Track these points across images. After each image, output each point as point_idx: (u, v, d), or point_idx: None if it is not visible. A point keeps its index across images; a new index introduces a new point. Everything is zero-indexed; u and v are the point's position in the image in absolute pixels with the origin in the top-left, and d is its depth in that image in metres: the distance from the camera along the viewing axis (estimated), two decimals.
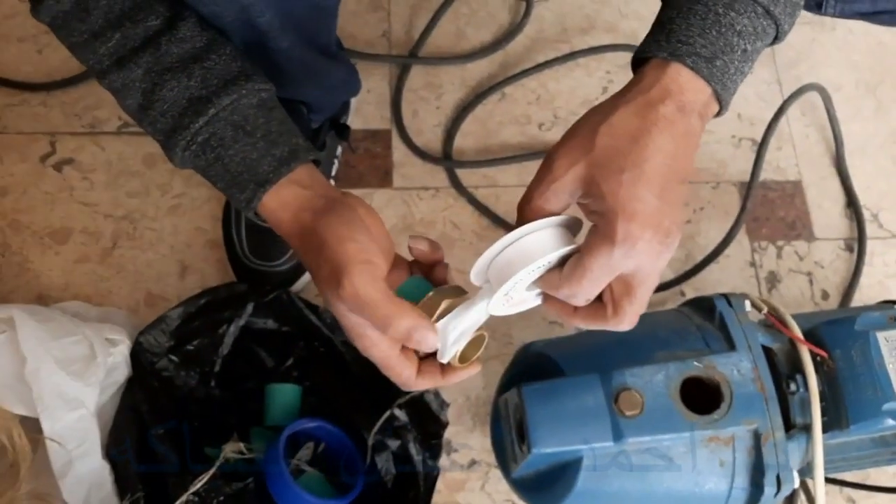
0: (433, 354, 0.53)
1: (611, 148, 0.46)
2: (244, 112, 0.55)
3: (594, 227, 0.48)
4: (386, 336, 0.50)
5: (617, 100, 0.48)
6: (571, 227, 0.51)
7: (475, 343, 0.54)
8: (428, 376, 0.54)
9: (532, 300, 0.54)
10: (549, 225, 0.49)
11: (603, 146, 0.46)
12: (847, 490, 0.84)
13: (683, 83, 0.48)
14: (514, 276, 0.49)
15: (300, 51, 0.66)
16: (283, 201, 0.54)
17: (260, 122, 0.56)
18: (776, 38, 0.52)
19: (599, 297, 0.50)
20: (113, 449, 0.74)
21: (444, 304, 0.52)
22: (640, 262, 0.47)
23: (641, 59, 0.50)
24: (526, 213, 0.50)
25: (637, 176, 0.45)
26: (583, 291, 0.48)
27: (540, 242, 0.49)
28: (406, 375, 0.53)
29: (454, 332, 0.52)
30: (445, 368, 0.54)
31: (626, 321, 0.50)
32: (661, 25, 0.50)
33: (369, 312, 0.49)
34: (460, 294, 0.53)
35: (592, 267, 0.47)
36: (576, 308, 0.51)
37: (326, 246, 0.50)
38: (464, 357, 0.54)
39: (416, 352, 0.54)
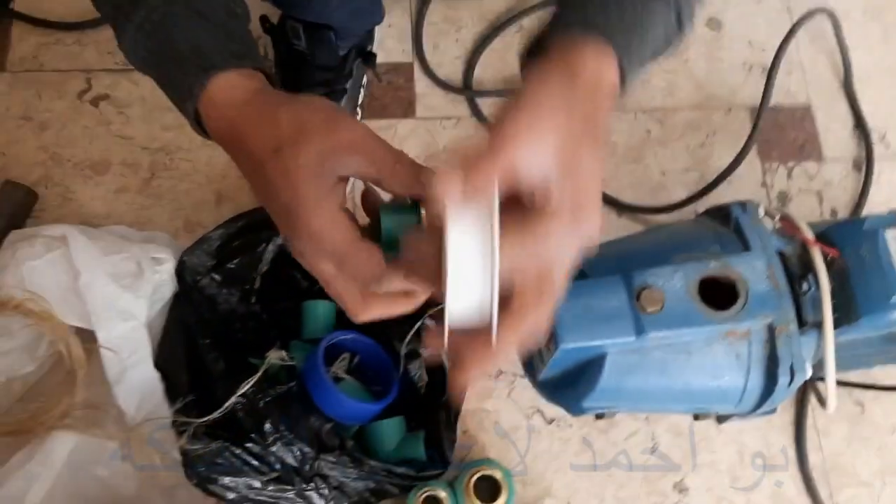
0: None
1: (579, 130, 0.42)
2: (210, 3, 0.50)
3: (555, 199, 0.40)
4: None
5: (565, 77, 0.44)
6: None
7: None
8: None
9: None
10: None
11: (577, 122, 0.41)
12: (856, 394, 0.88)
13: (613, 74, 0.46)
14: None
15: None
16: (232, 90, 0.47)
17: (222, 18, 0.50)
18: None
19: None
20: (162, 358, 0.78)
21: None
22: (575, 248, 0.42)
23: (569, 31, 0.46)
24: (493, 169, 0.39)
25: (598, 165, 0.42)
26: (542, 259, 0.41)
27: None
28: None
29: None
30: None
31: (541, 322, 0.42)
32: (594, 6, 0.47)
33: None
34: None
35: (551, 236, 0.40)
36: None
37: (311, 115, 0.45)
38: None
39: None
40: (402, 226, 0.47)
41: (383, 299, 0.49)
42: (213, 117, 0.48)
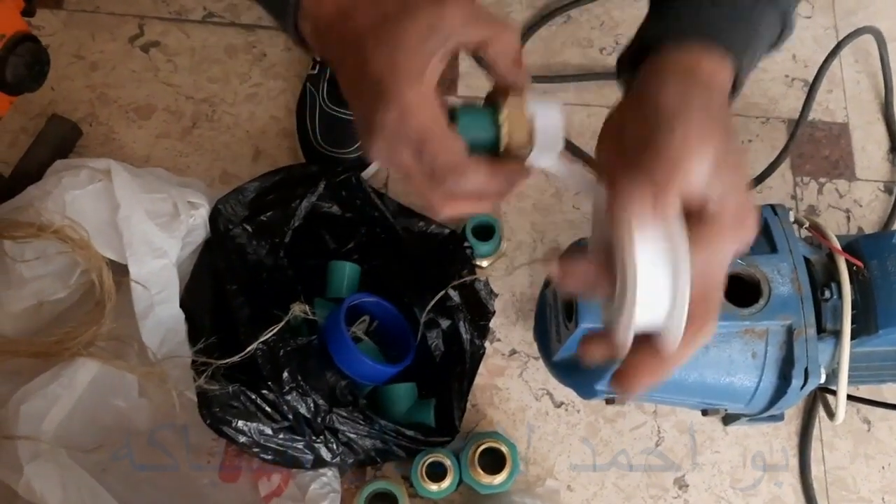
0: None
1: (728, 141, 0.44)
2: None
3: (724, 213, 0.43)
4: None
5: (702, 90, 0.46)
6: None
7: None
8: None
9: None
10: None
11: (725, 135, 0.44)
12: (864, 411, 0.89)
13: (729, 82, 0.49)
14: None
15: None
16: None
17: None
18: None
19: None
20: (188, 300, 0.80)
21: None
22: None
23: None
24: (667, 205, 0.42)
25: (747, 173, 0.46)
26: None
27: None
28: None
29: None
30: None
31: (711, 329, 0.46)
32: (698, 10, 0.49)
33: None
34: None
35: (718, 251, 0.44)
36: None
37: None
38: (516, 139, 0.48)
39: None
40: (477, 125, 0.47)
41: (464, 196, 0.48)
42: (321, 3, 0.48)
